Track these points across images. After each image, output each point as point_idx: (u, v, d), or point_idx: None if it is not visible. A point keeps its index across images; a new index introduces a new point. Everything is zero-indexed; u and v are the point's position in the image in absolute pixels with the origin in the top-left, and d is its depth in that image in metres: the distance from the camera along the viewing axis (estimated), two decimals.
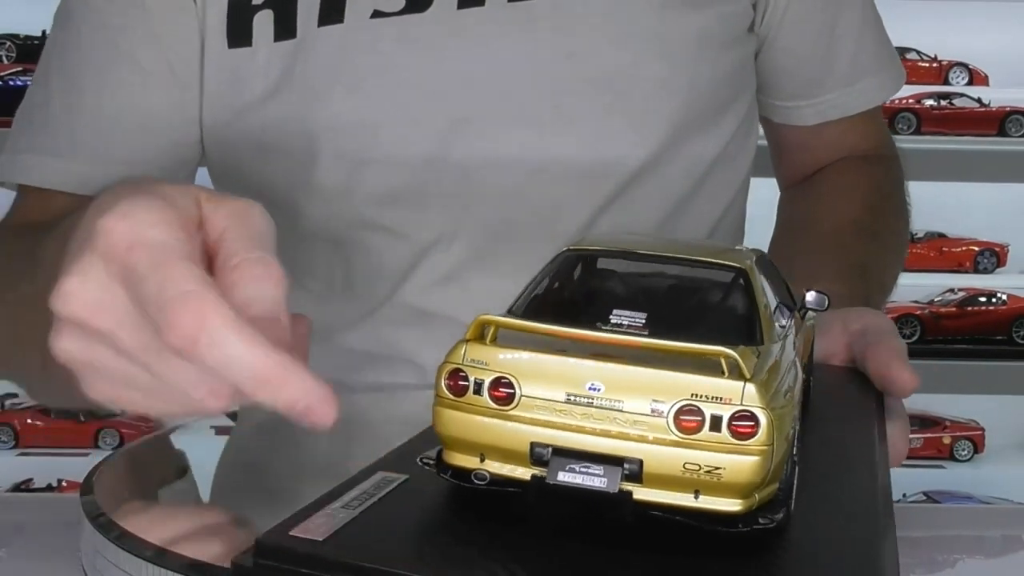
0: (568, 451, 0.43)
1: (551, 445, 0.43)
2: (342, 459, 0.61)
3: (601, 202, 0.87)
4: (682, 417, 0.42)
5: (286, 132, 0.85)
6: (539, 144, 0.85)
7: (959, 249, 2.49)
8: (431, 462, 0.46)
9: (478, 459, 0.45)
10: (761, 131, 1.04)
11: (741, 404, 0.42)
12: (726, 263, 0.49)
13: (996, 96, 2.49)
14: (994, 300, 2.50)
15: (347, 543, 0.42)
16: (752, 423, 0.41)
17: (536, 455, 0.43)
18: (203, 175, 0.94)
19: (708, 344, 0.42)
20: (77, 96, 0.87)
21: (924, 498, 2.40)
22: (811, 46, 0.97)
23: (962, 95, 2.48)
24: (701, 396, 0.42)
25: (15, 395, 2.53)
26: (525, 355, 0.44)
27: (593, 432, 0.43)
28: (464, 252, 0.85)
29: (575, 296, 0.49)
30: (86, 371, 0.46)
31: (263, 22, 0.84)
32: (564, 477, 0.43)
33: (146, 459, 0.69)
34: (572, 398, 0.43)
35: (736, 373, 0.42)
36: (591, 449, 0.43)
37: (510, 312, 0.47)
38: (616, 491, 0.43)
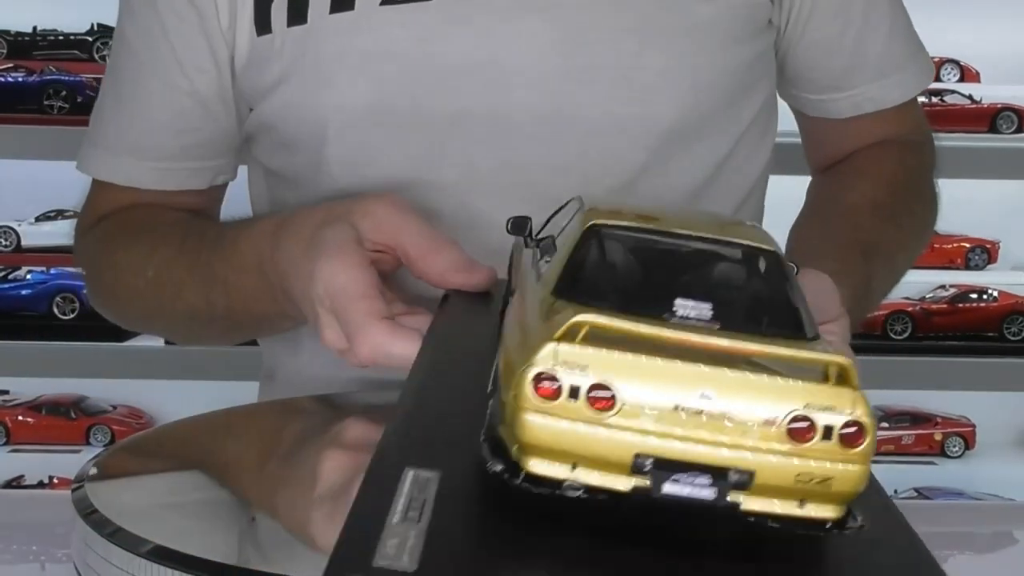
0: (674, 462, 0.41)
1: (655, 456, 0.41)
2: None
3: (608, 190, 0.87)
4: (795, 426, 0.41)
5: (297, 116, 0.88)
6: (541, 133, 0.86)
7: (950, 246, 2.50)
8: (501, 470, 0.41)
9: (569, 468, 0.41)
10: (785, 127, 1.03)
11: (852, 414, 0.41)
12: (759, 246, 0.47)
13: (987, 93, 2.50)
14: (985, 297, 2.51)
15: (444, 570, 0.38)
16: (860, 433, 0.41)
17: (637, 465, 0.40)
18: None
19: (804, 346, 0.42)
20: (124, 94, 0.96)
21: (915, 494, 2.41)
22: (842, 38, 0.96)
23: (953, 92, 2.48)
24: (814, 405, 0.41)
25: (6, 392, 2.53)
26: (627, 357, 0.40)
27: (702, 442, 0.41)
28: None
29: (623, 281, 0.45)
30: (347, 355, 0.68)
31: (279, 8, 0.87)
32: (670, 489, 0.41)
33: (138, 455, 0.69)
34: (681, 406, 0.41)
35: (844, 381, 0.41)
36: (700, 460, 0.41)
37: (562, 295, 0.44)
38: (725, 503, 0.41)
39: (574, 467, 0.40)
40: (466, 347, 0.58)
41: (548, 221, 0.55)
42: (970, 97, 2.49)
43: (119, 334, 2.18)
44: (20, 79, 2.34)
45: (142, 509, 0.57)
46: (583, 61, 0.85)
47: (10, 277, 2.45)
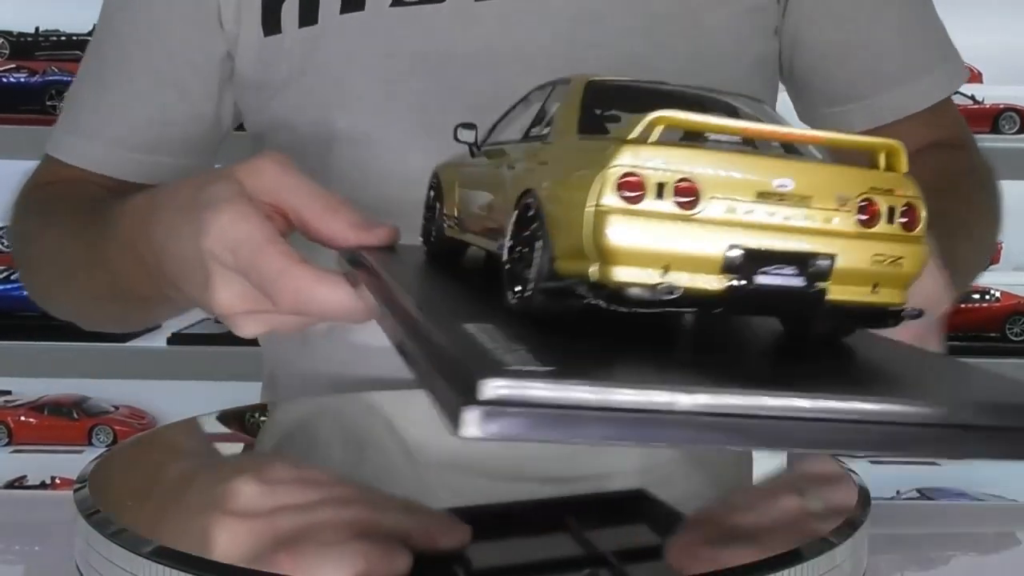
0: (762, 253, 0.40)
1: (746, 248, 0.40)
2: (356, 462, 0.66)
3: None
4: (866, 210, 0.42)
5: (307, 116, 0.88)
6: None
7: None
8: (583, 288, 0.40)
9: (661, 272, 0.39)
10: None
11: (908, 195, 0.42)
12: (754, 97, 0.52)
13: (990, 93, 2.50)
14: (987, 297, 2.50)
15: (582, 365, 0.36)
16: (916, 213, 0.43)
17: (728, 260, 0.40)
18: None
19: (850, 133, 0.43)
20: (107, 80, 0.95)
21: (918, 495, 2.40)
22: (850, 43, 0.93)
23: (956, 92, 2.48)
24: (878, 189, 0.42)
25: (8, 392, 2.53)
26: (704, 154, 0.40)
27: (787, 230, 0.41)
28: None
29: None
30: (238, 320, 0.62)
31: (290, 9, 0.87)
32: (763, 280, 0.41)
33: (140, 456, 0.69)
34: (762, 196, 0.40)
35: (893, 166, 0.43)
36: (786, 248, 0.41)
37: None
38: (814, 290, 0.41)
39: (666, 270, 0.39)
40: (433, 277, 0.58)
41: (492, 130, 0.57)
42: (972, 98, 2.48)
43: (121, 335, 2.18)
44: (22, 79, 2.34)
45: (144, 509, 0.57)
46: (595, 64, 0.85)
47: (11, 277, 2.45)
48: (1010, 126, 2.48)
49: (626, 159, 0.39)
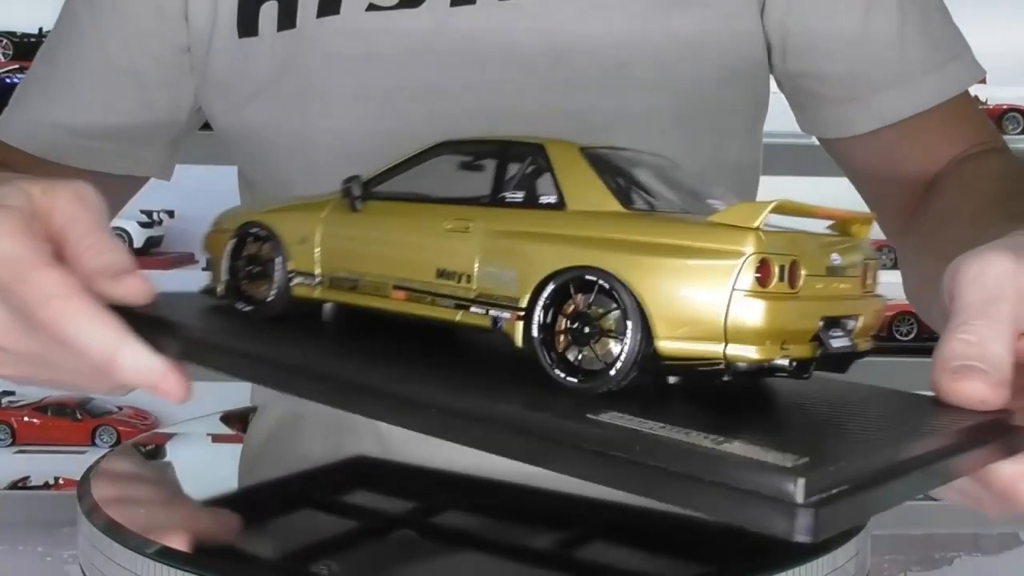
0: (833, 321, 0.45)
1: (826, 318, 0.45)
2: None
3: None
4: (865, 275, 0.48)
5: (284, 120, 0.87)
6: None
7: None
8: (720, 365, 0.42)
9: (779, 347, 0.43)
10: (784, 127, 0.98)
11: (877, 259, 0.49)
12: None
13: (993, 94, 2.49)
14: None
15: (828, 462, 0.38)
16: (876, 274, 0.50)
17: (819, 330, 0.45)
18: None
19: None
20: (59, 61, 0.93)
21: (921, 496, 2.40)
22: (843, 38, 0.88)
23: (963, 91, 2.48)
24: (870, 257, 0.49)
25: (12, 392, 2.53)
26: (800, 237, 0.44)
27: (842, 297, 0.46)
28: None
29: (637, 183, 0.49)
30: None
31: (269, 12, 0.87)
32: (834, 344, 0.45)
33: (143, 456, 0.69)
34: (829, 270, 0.45)
35: (866, 232, 0.49)
36: (842, 314, 0.46)
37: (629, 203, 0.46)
38: (853, 346, 0.46)
39: (784, 344, 0.43)
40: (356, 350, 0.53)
41: (375, 181, 0.55)
42: (976, 98, 2.48)
43: None
44: None
45: (148, 510, 0.57)
46: (567, 72, 0.84)
47: None
48: (1014, 126, 2.48)
49: (759, 246, 0.42)
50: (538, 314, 0.46)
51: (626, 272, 0.43)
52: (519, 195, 0.49)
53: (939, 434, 0.44)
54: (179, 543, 0.48)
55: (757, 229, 0.42)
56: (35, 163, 0.92)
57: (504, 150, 0.52)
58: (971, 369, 0.48)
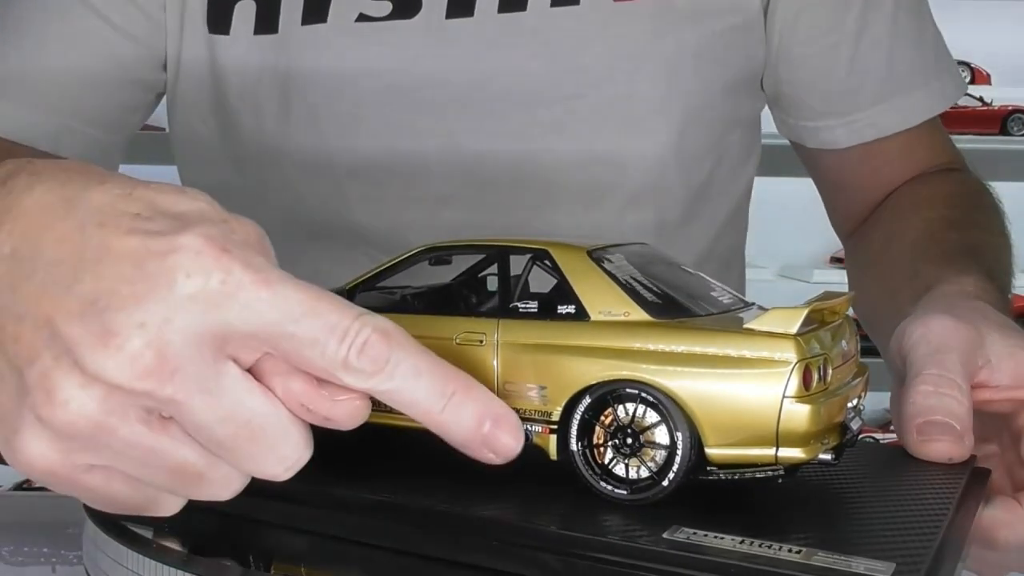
0: (853, 408, 0.48)
1: (851, 406, 0.47)
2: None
3: (595, 216, 0.84)
4: (855, 359, 0.50)
5: (265, 126, 0.84)
6: (523, 159, 0.82)
7: None
8: (777, 472, 0.44)
9: (821, 444, 0.44)
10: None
11: (851, 343, 0.51)
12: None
13: (998, 95, 2.49)
14: None
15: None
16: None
17: (846, 420, 0.47)
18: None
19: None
20: (30, 46, 0.86)
21: None
22: (835, 55, 0.89)
23: (964, 94, 2.47)
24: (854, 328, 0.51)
25: None
26: (823, 334, 0.46)
27: (849, 383, 0.48)
28: None
29: (670, 287, 0.50)
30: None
31: (244, 13, 0.83)
32: (854, 426, 0.47)
33: None
34: (841, 361, 0.47)
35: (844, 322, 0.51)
36: (854, 397, 0.48)
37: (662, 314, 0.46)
38: (860, 429, 0.48)
39: (826, 439, 0.45)
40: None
41: (358, 287, 0.52)
42: (981, 99, 2.48)
43: None
44: None
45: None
46: (567, 87, 0.82)
47: None
48: (1018, 127, 2.48)
49: (801, 353, 0.43)
50: (575, 427, 0.46)
51: (671, 384, 0.44)
52: (532, 305, 0.48)
53: (950, 498, 0.47)
54: (182, 544, 0.48)
55: (796, 336, 0.43)
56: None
57: (503, 255, 0.50)
58: (934, 426, 0.53)
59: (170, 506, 0.43)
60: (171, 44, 0.85)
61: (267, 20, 0.83)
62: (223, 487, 0.42)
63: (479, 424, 0.41)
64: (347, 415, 0.41)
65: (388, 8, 0.82)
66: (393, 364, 0.39)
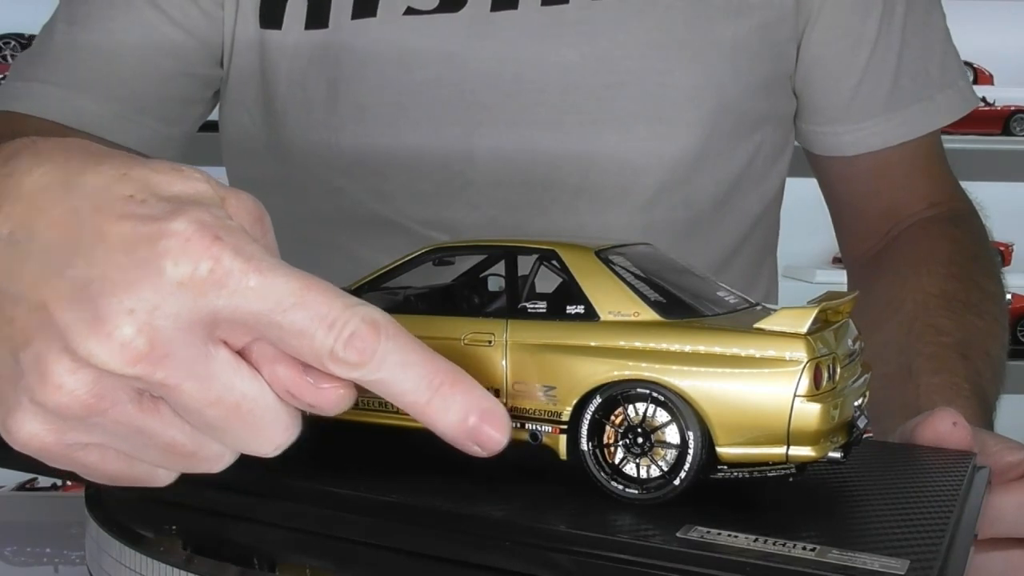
0: (858, 406, 0.48)
1: (857, 404, 0.48)
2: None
3: (628, 209, 0.85)
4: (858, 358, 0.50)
5: (312, 119, 0.86)
6: (564, 150, 0.84)
7: None
8: (788, 470, 0.45)
9: (830, 442, 0.44)
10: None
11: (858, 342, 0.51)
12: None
13: (1001, 95, 2.49)
14: None
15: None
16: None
17: (854, 417, 0.47)
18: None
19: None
20: (81, 33, 0.89)
21: None
22: (852, 58, 0.90)
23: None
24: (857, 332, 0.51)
25: None
26: (829, 333, 0.46)
27: (860, 377, 0.48)
28: None
29: (670, 286, 0.49)
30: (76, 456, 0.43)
31: (296, 8, 0.85)
32: (860, 424, 0.47)
33: None
34: (850, 356, 0.47)
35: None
36: (863, 393, 0.49)
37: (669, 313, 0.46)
38: (864, 426, 0.48)
39: (835, 437, 0.45)
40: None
41: (362, 287, 0.52)
42: (984, 99, 2.48)
43: None
44: None
45: (154, 511, 0.57)
46: (608, 78, 0.84)
47: None
48: (1021, 128, 2.47)
49: (812, 352, 0.43)
50: (585, 427, 0.46)
51: (682, 384, 0.44)
52: (540, 306, 0.49)
53: (954, 494, 0.48)
54: (185, 545, 0.48)
55: (807, 336, 0.43)
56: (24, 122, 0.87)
57: (509, 255, 0.51)
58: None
59: (166, 479, 0.45)
60: (226, 39, 0.88)
61: (318, 14, 0.85)
62: (214, 463, 0.43)
63: (464, 417, 0.41)
64: (331, 403, 0.41)
65: (435, 2, 0.84)
66: (381, 355, 0.39)
